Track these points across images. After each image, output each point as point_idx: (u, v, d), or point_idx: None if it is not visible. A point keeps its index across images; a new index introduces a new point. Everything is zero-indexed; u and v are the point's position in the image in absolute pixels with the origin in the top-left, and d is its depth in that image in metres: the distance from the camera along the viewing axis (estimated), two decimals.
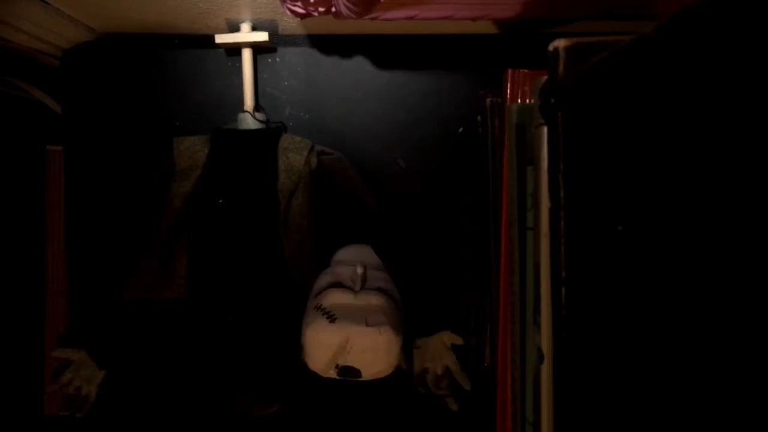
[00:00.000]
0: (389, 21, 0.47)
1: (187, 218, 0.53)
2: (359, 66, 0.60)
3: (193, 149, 0.54)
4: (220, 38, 0.56)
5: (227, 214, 0.53)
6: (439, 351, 0.53)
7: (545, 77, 0.35)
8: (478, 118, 0.54)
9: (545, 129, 0.36)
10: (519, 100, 0.47)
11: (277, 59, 0.59)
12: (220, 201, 0.53)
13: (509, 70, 0.48)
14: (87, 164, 0.59)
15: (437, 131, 0.59)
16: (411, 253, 0.57)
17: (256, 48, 0.58)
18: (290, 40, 0.59)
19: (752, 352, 0.19)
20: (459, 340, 0.53)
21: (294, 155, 0.54)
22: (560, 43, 0.33)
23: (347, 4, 0.43)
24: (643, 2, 0.45)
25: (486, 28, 0.56)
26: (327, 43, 0.59)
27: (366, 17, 0.44)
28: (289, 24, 0.56)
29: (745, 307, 0.19)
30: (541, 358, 0.37)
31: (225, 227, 0.53)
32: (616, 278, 0.29)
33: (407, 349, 0.53)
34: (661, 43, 0.24)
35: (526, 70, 0.47)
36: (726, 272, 0.20)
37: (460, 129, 0.59)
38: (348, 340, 0.46)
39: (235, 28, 0.57)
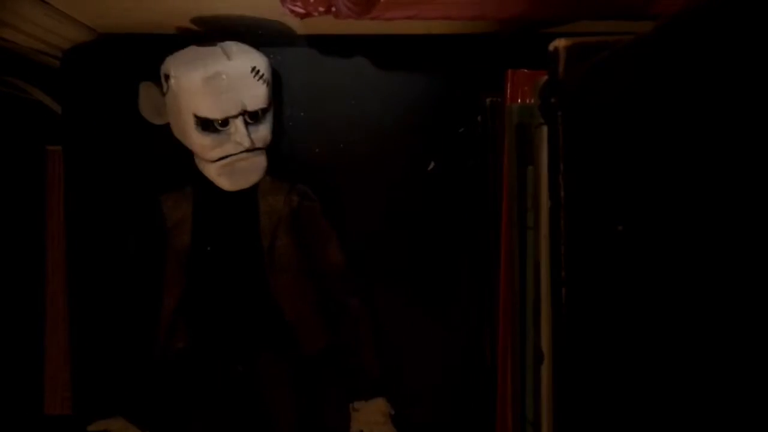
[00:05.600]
0: (389, 21, 0.47)
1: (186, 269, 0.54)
2: (359, 66, 0.60)
3: (179, 203, 0.55)
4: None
5: (216, 261, 0.54)
6: (375, 417, 0.55)
7: (545, 77, 0.35)
8: (478, 118, 0.54)
9: (545, 129, 0.36)
10: (519, 100, 0.47)
11: (278, 58, 0.59)
12: (208, 248, 0.54)
13: (509, 70, 0.48)
14: (87, 164, 0.59)
15: (437, 131, 0.59)
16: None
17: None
18: (290, 40, 0.59)
19: (753, 352, 0.19)
20: (392, 411, 0.56)
21: (273, 197, 0.55)
22: (560, 43, 0.33)
23: (347, 4, 0.43)
24: (643, 2, 0.45)
25: (486, 28, 0.56)
26: (327, 43, 0.59)
27: (366, 17, 0.44)
28: (289, 24, 0.56)
29: (746, 307, 0.19)
30: (541, 358, 0.37)
31: (215, 274, 0.54)
32: (616, 278, 0.29)
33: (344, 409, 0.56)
34: (661, 43, 0.24)
35: (526, 70, 0.47)
36: (726, 272, 0.20)
37: (461, 129, 0.59)
38: None
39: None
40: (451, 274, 0.59)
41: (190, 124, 0.50)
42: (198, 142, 0.51)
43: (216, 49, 0.51)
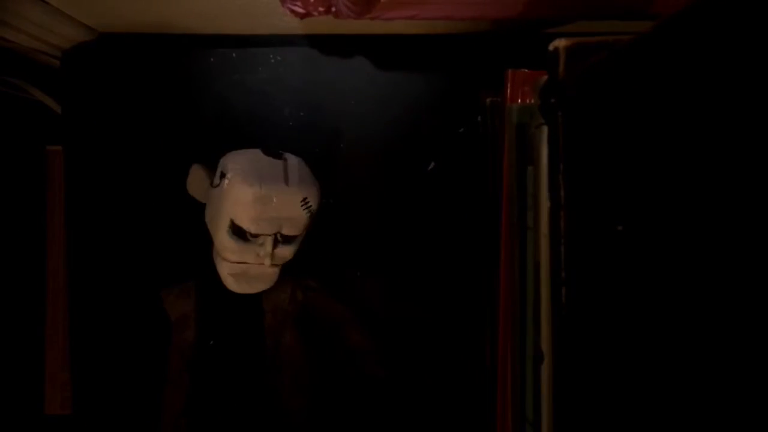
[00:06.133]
0: (389, 21, 0.47)
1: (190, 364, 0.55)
2: (359, 66, 0.60)
3: (182, 298, 0.55)
4: None
5: (220, 359, 0.54)
6: None
7: (545, 77, 0.35)
8: (478, 118, 0.54)
9: (545, 129, 0.36)
10: (519, 100, 0.47)
11: (278, 58, 0.59)
12: (211, 342, 0.54)
13: (509, 70, 0.47)
14: (87, 164, 0.59)
15: (437, 131, 0.59)
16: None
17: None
18: (290, 40, 0.59)
19: (752, 352, 0.19)
20: None
21: (278, 295, 0.55)
22: (560, 43, 0.33)
23: (347, 4, 0.43)
24: (643, 2, 0.45)
25: (486, 28, 0.56)
26: (327, 43, 0.59)
27: (366, 17, 0.44)
28: (289, 24, 0.56)
29: (746, 307, 0.19)
30: (541, 358, 0.37)
31: (219, 372, 0.54)
32: (616, 278, 0.29)
33: None
34: (660, 43, 0.24)
35: (526, 70, 0.47)
36: (726, 272, 0.20)
37: (461, 129, 0.59)
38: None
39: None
40: (451, 274, 0.59)
41: (224, 225, 0.50)
42: (223, 242, 0.50)
43: (278, 167, 0.51)
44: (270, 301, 0.55)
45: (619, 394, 0.29)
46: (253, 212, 0.48)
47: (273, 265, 0.51)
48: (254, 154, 0.51)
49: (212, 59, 0.59)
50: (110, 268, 0.58)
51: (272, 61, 0.60)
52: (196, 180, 0.54)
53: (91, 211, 0.58)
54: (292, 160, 0.52)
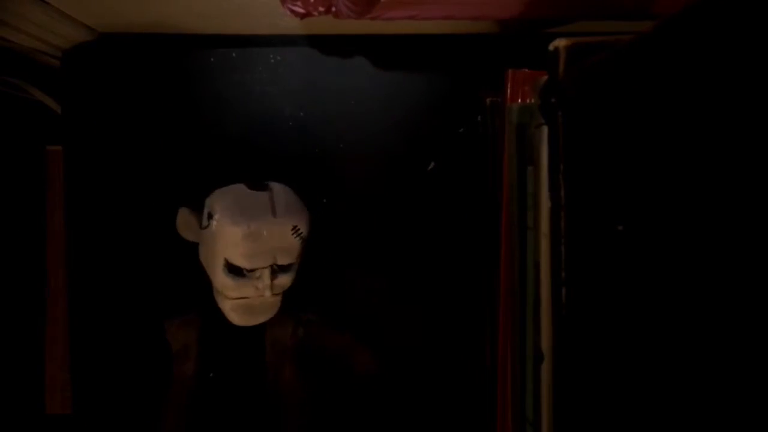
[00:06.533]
0: (389, 21, 0.47)
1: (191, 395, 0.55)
2: (359, 66, 0.60)
3: (184, 330, 0.56)
4: None
5: (220, 391, 0.55)
6: None
7: (545, 77, 0.35)
8: (478, 118, 0.54)
9: (545, 129, 0.36)
10: (519, 100, 0.47)
11: (278, 58, 0.59)
12: (211, 375, 0.55)
13: (509, 70, 0.47)
14: (87, 164, 0.59)
15: (437, 131, 0.59)
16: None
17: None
18: (290, 40, 0.59)
19: (752, 352, 0.19)
20: None
21: (280, 330, 0.55)
22: (560, 43, 0.33)
23: (347, 4, 0.43)
24: (643, 2, 0.45)
25: (486, 28, 0.56)
26: (327, 43, 0.59)
27: (366, 17, 0.44)
28: (289, 24, 0.56)
29: (746, 307, 0.19)
30: (541, 358, 0.37)
31: (217, 401, 0.55)
32: (616, 278, 0.29)
33: None
34: (660, 43, 0.24)
35: (526, 70, 0.47)
36: (726, 272, 0.20)
37: (461, 129, 0.59)
38: None
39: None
40: (452, 274, 0.59)
41: (220, 265, 0.50)
42: (221, 281, 0.51)
43: (264, 199, 0.51)
44: (271, 336, 0.55)
45: (619, 394, 0.29)
46: (245, 249, 0.49)
47: (274, 294, 0.52)
48: (238, 190, 0.52)
49: (212, 59, 0.59)
50: (110, 267, 0.58)
51: (272, 61, 0.60)
52: (184, 223, 0.54)
53: (91, 211, 0.58)
54: (277, 188, 0.53)
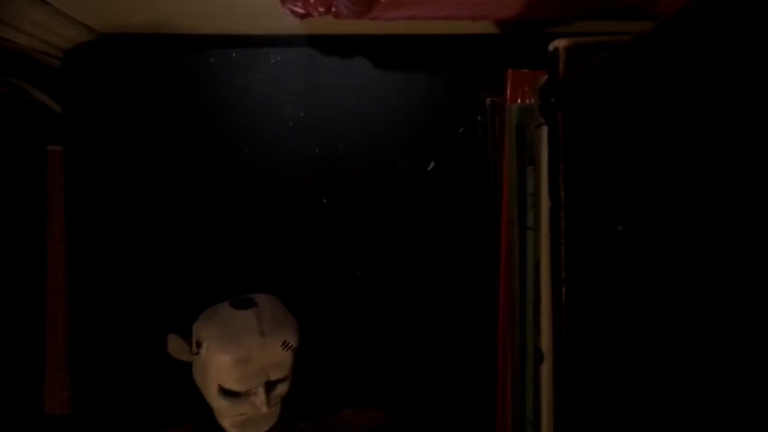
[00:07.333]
0: (389, 21, 0.47)
1: None
2: (359, 66, 0.60)
3: None
4: None
5: None
6: None
7: (545, 77, 0.35)
8: (478, 118, 0.54)
9: (545, 129, 0.36)
10: (519, 100, 0.47)
11: (278, 58, 0.59)
12: None
13: (509, 70, 0.47)
14: (87, 164, 0.59)
15: (437, 131, 0.59)
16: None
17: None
18: (290, 40, 0.59)
19: (752, 351, 0.19)
20: None
21: None
22: (560, 43, 0.33)
23: (347, 4, 0.43)
24: (643, 2, 0.45)
25: (486, 28, 0.56)
26: (327, 43, 0.59)
27: (366, 17, 0.44)
28: (289, 24, 0.56)
29: (745, 307, 0.19)
30: (541, 358, 0.37)
31: None
32: (616, 278, 0.29)
33: None
34: (660, 43, 0.24)
35: (526, 70, 0.47)
36: (726, 272, 0.20)
37: (460, 129, 0.59)
38: None
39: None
40: (451, 274, 0.59)
41: (214, 389, 0.50)
42: (217, 404, 0.51)
43: (250, 318, 0.51)
44: None
45: (619, 394, 0.29)
46: (236, 374, 0.49)
47: (272, 406, 0.52)
48: (224, 313, 0.52)
49: (212, 59, 0.59)
50: (110, 268, 0.58)
51: (272, 61, 0.60)
52: (175, 349, 0.54)
53: (91, 211, 0.58)
54: (262, 302, 0.53)
